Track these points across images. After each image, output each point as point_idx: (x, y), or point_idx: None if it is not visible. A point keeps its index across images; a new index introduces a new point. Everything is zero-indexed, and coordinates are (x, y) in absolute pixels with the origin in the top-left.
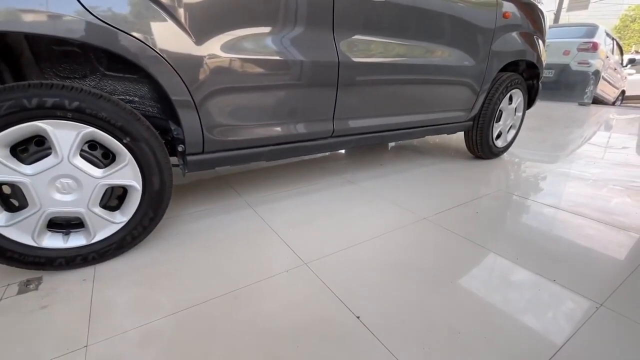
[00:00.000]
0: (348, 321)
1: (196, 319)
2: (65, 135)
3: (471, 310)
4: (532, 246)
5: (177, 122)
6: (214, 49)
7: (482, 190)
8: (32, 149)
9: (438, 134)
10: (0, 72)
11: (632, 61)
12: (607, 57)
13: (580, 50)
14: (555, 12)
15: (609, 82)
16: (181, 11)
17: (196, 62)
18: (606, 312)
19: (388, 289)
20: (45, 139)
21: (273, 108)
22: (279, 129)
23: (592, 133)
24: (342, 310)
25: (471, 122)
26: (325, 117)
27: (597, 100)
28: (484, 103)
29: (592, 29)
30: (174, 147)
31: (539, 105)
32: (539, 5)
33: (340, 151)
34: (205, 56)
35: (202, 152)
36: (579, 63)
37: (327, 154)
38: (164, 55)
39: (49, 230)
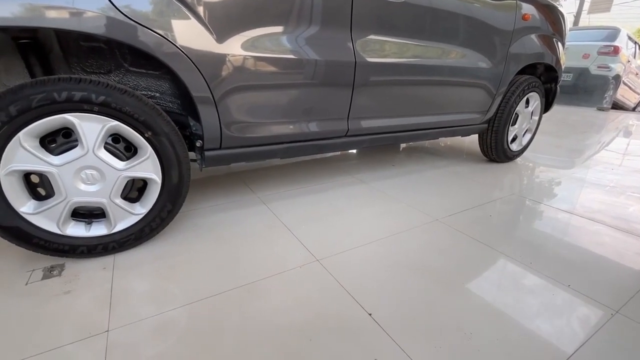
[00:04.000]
0: (360, 317)
1: (209, 311)
2: (91, 128)
3: (483, 312)
4: (546, 251)
5: (196, 118)
6: (235, 46)
7: (495, 194)
8: (59, 140)
9: (452, 136)
10: (31, 67)
11: None
12: (629, 61)
13: (600, 53)
14: (575, 14)
15: (629, 87)
16: (203, 9)
17: (217, 59)
18: (622, 319)
19: (400, 288)
20: (72, 131)
21: (290, 106)
22: (294, 127)
23: (610, 139)
24: (354, 307)
25: (486, 125)
26: (341, 117)
27: (617, 106)
28: (500, 106)
29: (613, 32)
30: (192, 142)
31: (555, 109)
32: (559, 7)
33: (352, 151)
34: (226, 54)
35: (220, 148)
36: (598, 67)
37: (339, 153)
38: (186, 52)
39: (73, 219)
